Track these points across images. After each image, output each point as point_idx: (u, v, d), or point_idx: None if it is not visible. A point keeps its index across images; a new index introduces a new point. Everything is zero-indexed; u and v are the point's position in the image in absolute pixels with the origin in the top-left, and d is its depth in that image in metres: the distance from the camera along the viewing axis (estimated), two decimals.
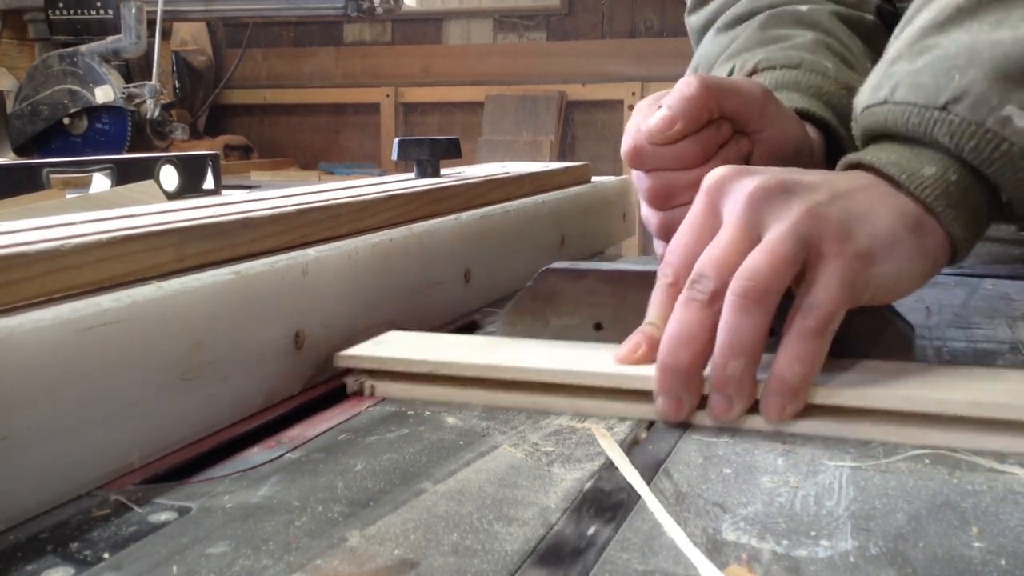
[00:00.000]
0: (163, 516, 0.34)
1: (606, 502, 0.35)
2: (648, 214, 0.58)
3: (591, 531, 0.32)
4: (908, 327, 0.50)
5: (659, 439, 0.41)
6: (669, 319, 0.44)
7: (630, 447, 0.40)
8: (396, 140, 0.79)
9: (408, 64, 3.15)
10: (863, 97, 0.52)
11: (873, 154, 0.49)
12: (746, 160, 0.57)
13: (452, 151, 0.79)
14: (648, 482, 0.36)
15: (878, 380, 0.43)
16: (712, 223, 0.46)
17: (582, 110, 2.97)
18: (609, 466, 0.38)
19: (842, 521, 0.33)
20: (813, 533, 0.32)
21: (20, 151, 2.26)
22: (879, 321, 0.49)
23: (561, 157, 2.89)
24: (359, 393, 0.49)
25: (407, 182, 0.73)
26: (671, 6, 2.89)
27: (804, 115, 0.63)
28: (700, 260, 0.44)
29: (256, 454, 0.40)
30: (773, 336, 0.43)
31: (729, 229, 0.45)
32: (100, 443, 0.37)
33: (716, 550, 0.30)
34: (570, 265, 0.55)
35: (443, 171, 0.81)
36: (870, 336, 0.48)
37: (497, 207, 0.74)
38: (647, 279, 0.49)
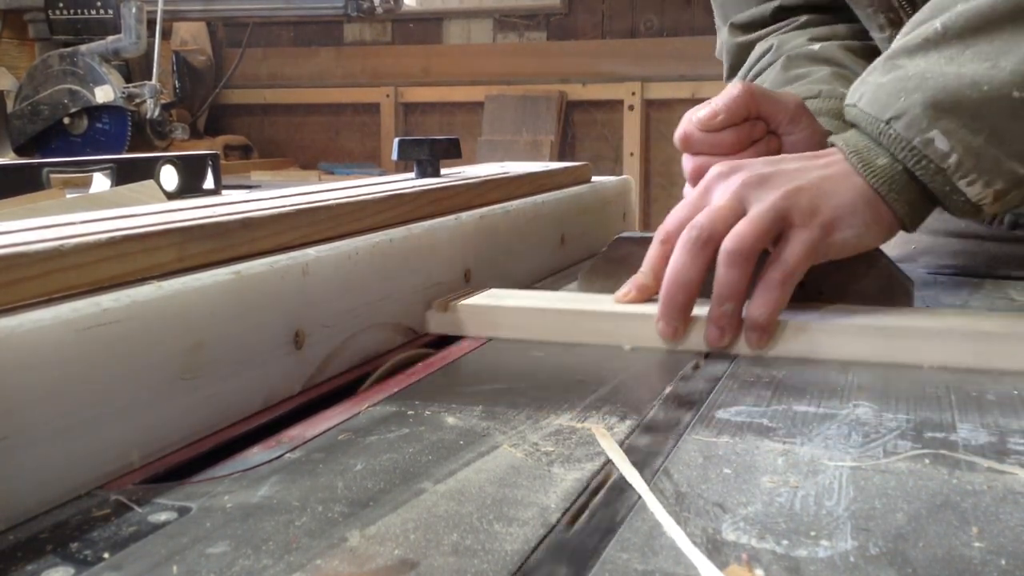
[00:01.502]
0: (163, 516, 0.34)
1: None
2: (689, 192, 0.72)
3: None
4: (908, 280, 0.60)
5: (659, 439, 0.41)
6: (669, 263, 0.56)
7: (630, 447, 0.40)
8: (396, 140, 0.79)
9: (408, 64, 3.15)
10: (849, 95, 0.64)
11: (847, 139, 0.61)
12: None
13: (452, 151, 0.79)
14: (648, 482, 0.36)
15: (848, 315, 0.56)
16: (704, 203, 0.59)
17: (582, 110, 2.97)
18: (609, 466, 0.38)
19: (842, 521, 0.32)
20: (813, 533, 0.32)
21: (20, 151, 2.27)
22: (883, 276, 0.61)
23: (561, 157, 2.89)
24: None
25: (407, 182, 0.73)
26: (671, 6, 2.89)
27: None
28: (696, 218, 0.56)
29: (256, 454, 0.40)
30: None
31: (719, 202, 0.57)
32: (100, 443, 0.37)
33: (716, 550, 0.30)
34: (638, 234, 0.69)
35: (443, 171, 0.81)
36: (876, 288, 0.60)
37: (497, 207, 0.74)
38: None
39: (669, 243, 0.57)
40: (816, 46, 0.86)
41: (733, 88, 0.67)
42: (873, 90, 0.61)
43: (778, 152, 0.69)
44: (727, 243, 0.55)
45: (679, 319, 0.56)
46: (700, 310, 0.56)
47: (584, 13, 2.98)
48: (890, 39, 0.79)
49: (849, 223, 0.57)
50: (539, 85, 2.95)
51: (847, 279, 0.60)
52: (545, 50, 3.01)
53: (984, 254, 0.88)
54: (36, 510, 0.34)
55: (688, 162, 0.70)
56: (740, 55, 0.94)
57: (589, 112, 2.96)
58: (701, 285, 0.55)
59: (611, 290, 0.65)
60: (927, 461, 0.38)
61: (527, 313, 0.60)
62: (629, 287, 0.60)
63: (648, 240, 0.65)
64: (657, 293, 0.57)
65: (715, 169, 0.59)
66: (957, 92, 0.57)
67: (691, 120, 0.69)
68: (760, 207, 0.56)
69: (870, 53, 0.85)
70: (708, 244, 0.55)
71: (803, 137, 0.70)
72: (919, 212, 0.60)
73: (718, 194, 0.58)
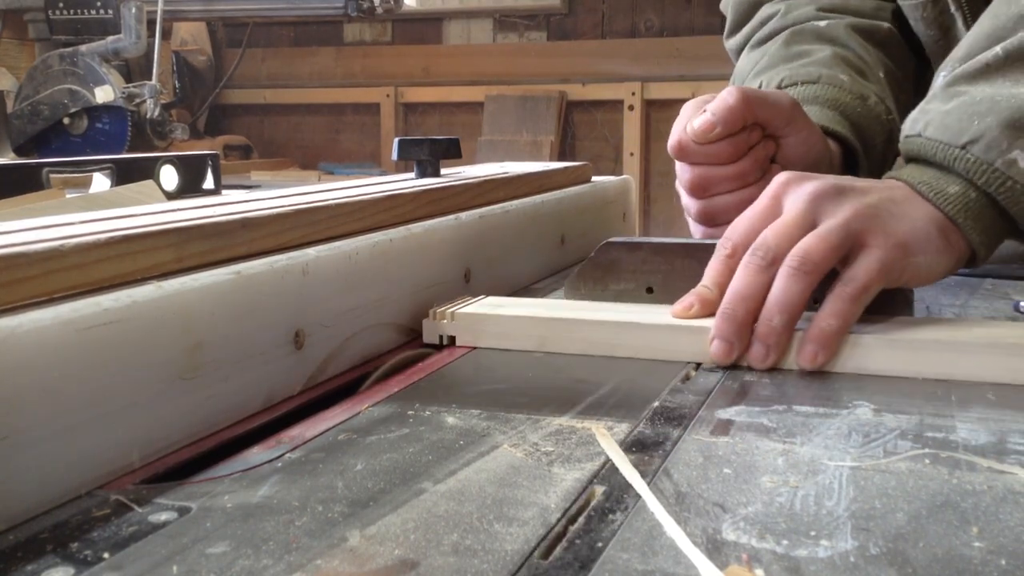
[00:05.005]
0: (163, 516, 0.34)
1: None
2: (688, 202, 0.70)
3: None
4: (908, 288, 0.58)
5: (659, 439, 0.41)
6: (732, 280, 0.53)
7: (630, 447, 0.40)
8: (396, 140, 0.79)
9: (408, 64, 3.15)
10: (906, 126, 0.63)
11: (909, 173, 0.60)
12: (771, 160, 0.69)
13: (452, 151, 0.79)
14: (648, 482, 0.36)
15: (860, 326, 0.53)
16: (773, 214, 0.56)
17: (582, 110, 2.97)
18: (609, 466, 0.38)
19: (842, 521, 0.33)
20: (813, 533, 0.32)
21: (20, 151, 2.27)
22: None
23: (561, 157, 2.89)
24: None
25: (407, 182, 0.73)
26: (671, 6, 2.89)
27: (825, 131, 0.74)
28: (762, 234, 0.54)
29: (256, 454, 0.40)
30: (816, 304, 0.53)
31: (789, 215, 0.55)
32: (100, 443, 0.37)
33: (716, 550, 0.30)
34: (627, 239, 0.64)
35: (443, 171, 0.81)
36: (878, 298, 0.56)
37: (497, 207, 0.74)
38: (692, 250, 0.61)
39: (736, 257, 0.54)
40: (823, 22, 0.85)
41: (729, 96, 0.65)
42: (939, 118, 0.60)
43: (774, 155, 0.69)
44: (792, 257, 0.52)
45: (736, 336, 0.52)
46: (707, 322, 0.54)
47: (584, 13, 2.98)
48: (937, 41, 0.80)
49: (921, 248, 0.55)
50: (539, 85, 2.95)
51: None
52: (545, 50, 3.01)
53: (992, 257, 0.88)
54: (36, 510, 0.34)
55: (685, 172, 0.68)
56: (746, 13, 0.93)
57: (589, 112, 2.96)
58: (763, 303, 0.52)
59: (598, 296, 0.62)
60: (927, 461, 0.38)
61: (527, 323, 0.57)
62: (692, 300, 0.55)
63: (636, 245, 0.63)
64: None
65: (783, 177, 0.57)
66: None
67: (685, 130, 0.66)
68: (832, 222, 0.53)
69: (882, 35, 0.85)
70: (774, 264, 0.52)
71: (800, 138, 0.69)
72: (993, 239, 0.59)
73: (789, 203, 0.55)
